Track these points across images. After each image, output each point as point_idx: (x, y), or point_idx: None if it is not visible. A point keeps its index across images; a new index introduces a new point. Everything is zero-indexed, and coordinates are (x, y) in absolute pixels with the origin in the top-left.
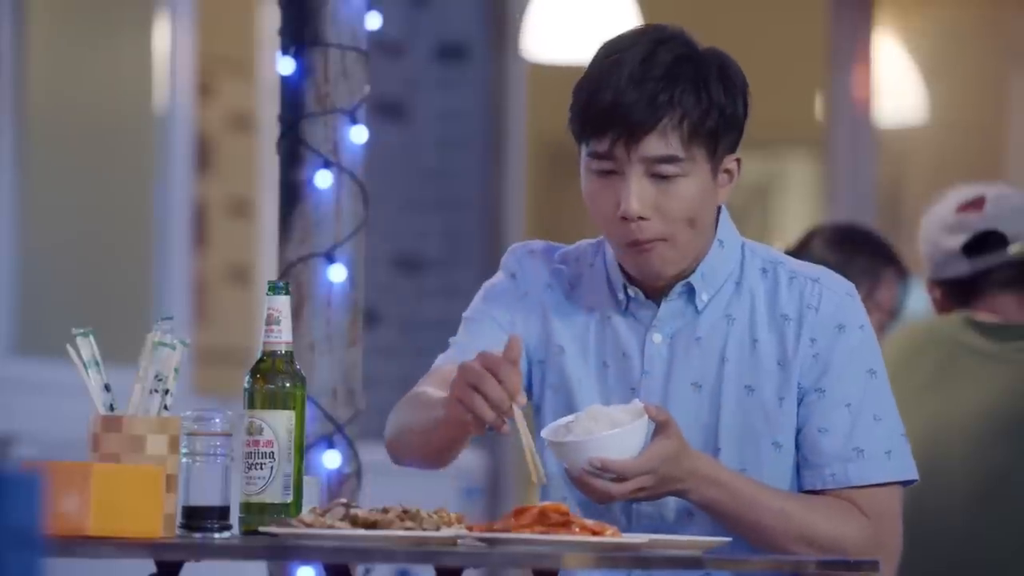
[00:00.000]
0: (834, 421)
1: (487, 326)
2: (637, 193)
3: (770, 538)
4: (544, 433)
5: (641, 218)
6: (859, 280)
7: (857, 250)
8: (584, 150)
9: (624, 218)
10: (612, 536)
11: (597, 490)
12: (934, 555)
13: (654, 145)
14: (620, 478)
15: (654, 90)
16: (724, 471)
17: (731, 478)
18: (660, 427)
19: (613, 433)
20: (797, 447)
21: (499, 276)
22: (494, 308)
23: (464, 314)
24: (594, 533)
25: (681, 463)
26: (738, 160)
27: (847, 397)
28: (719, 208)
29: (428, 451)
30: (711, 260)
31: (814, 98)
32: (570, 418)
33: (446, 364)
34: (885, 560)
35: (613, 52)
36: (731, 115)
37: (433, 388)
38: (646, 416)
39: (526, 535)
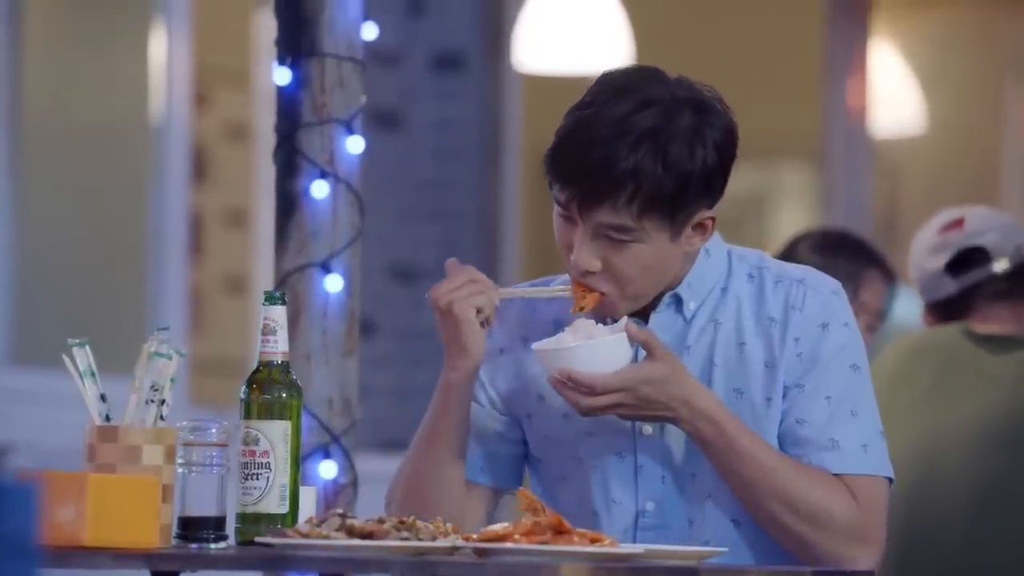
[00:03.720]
0: (812, 412)
1: (472, 409)
2: (587, 249)
3: (752, 491)
4: (534, 344)
5: (589, 272)
6: (842, 283)
7: (839, 253)
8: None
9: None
10: (609, 546)
11: (570, 400)
12: (933, 563)
13: (606, 214)
14: (591, 392)
15: (612, 159)
16: (724, 413)
17: (729, 421)
18: (648, 351)
19: (583, 345)
20: (779, 443)
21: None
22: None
23: None
24: (592, 542)
25: (668, 389)
26: (712, 218)
27: (827, 390)
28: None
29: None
30: (697, 269)
31: (810, 108)
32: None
33: None
34: (866, 548)
35: (592, 102)
36: (699, 179)
37: None
38: (624, 333)
39: (522, 545)
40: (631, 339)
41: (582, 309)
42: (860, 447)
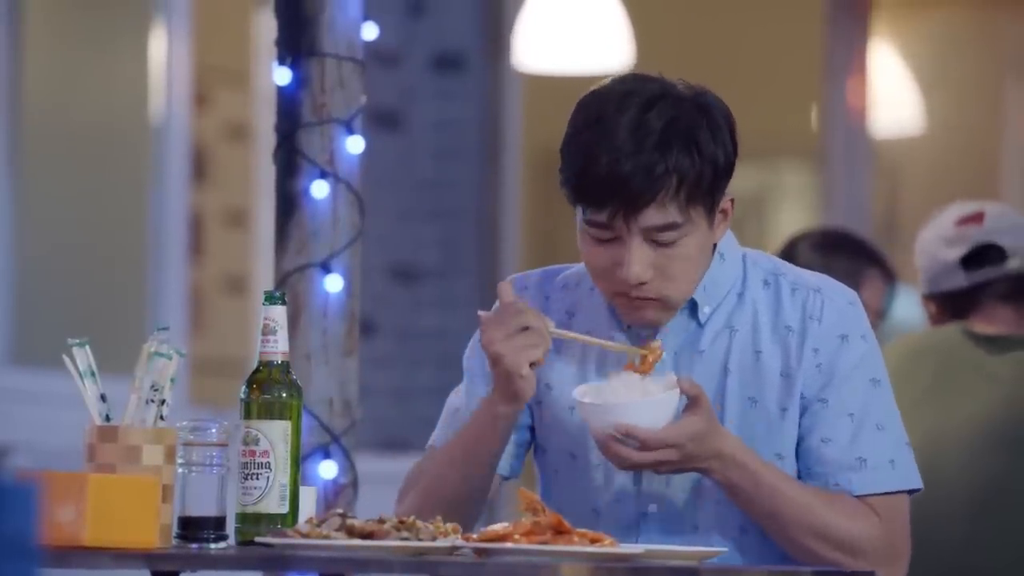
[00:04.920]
0: (837, 430)
1: (485, 388)
2: (638, 259)
3: (785, 528)
4: (575, 391)
5: (642, 282)
6: (842, 282)
7: (838, 253)
8: (580, 215)
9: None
10: (609, 546)
11: (619, 455)
12: (933, 563)
13: (653, 216)
14: (644, 447)
15: (650, 161)
16: (750, 455)
17: (756, 463)
18: (691, 403)
19: (642, 402)
20: (798, 457)
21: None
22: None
23: (465, 362)
24: (592, 542)
25: (708, 443)
26: (732, 200)
27: (850, 407)
28: None
29: (469, 478)
30: (712, 273)
31: (810, 108)
32: (603, 381)
33: (448, 434)
34: (897, 565)
35: (599, 117)
36: (724, 164)
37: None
38: (678, 389)
39: (522, 545)
40: (682, 392)
41: (645, 372)
42: (888, 463)
